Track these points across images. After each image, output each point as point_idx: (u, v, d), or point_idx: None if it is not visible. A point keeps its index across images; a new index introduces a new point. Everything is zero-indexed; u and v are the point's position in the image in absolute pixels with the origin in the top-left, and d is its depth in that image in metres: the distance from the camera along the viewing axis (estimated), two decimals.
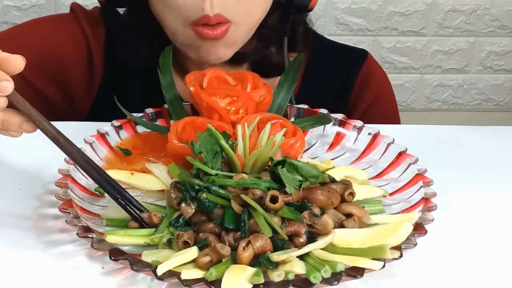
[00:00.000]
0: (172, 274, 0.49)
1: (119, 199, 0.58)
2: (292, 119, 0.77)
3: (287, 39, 0.87)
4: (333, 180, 0.60)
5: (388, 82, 1.01)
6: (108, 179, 0.58)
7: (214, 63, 0.81)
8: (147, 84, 0.89)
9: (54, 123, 0.81)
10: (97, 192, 0.63)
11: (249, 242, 0.51)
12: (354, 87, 0.95)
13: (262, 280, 0.49)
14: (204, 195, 0.55)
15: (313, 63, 0.90)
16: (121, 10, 0.92)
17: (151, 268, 0.49)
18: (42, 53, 0.87)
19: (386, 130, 0.74)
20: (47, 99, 0.90)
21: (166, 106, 0.77)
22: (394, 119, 1.00)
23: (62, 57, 0.89)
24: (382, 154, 0.71)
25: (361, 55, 0.98)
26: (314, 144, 0.76)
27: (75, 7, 0.92)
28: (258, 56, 0.88)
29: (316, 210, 0.55)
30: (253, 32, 0.82)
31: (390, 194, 0.65)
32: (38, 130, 0.57)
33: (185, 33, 0.77)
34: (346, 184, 0.60)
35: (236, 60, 0.86)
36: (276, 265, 0.51)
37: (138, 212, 0.58)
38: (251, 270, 0.50)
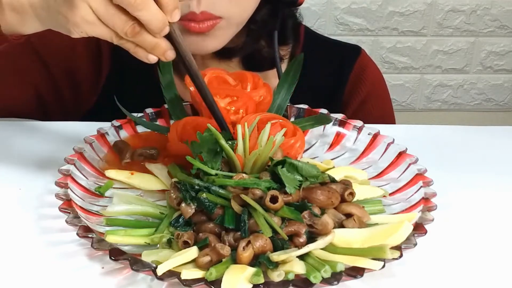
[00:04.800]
0: (172, 274, 0.49)
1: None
2: (292, 119, 0.77)
3: (277, 32, 0.87)
4: (333, 180, 0.60)
5: (381, 77, 1.01)
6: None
7: (203, 54, 0.82)
8: (151, 80, 0.90)
9: (55, 123, 0.83)
10: (97, 192, 0.63)
11: (249, 242, 0.51)
12: (348, 82, 0.96)
13: (262, 280, 0.49)
14: (204, 195, 0.55)
15: (306, 58, 0.90)
16: None
17: (151, 268, 0.49)
18: (60, 43, 0.88)
19: (386, 130, 0.74)
20: (58, 87, 0.92)
21: (166, 106, 0.77)
22: (388, 114, 1.00)
23: (75, 48, 0.91)
24: (382, 154, 0.71)
25: (355, 50, 0.98)
26: (314, 144, 0.76)
27: None
28: (247, 51, 0.88)
29: (316, 210, 0.55)
30: (242, 25, 0.82)
31: (390, 194, 0.65)
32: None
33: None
34: (346, 184, 0.60)
35: (226, 55, 0.86)
36: (276, 265, 0.51)
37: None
38: (251, 270, 0.50)
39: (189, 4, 0.74)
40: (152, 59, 0.59)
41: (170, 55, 0.59)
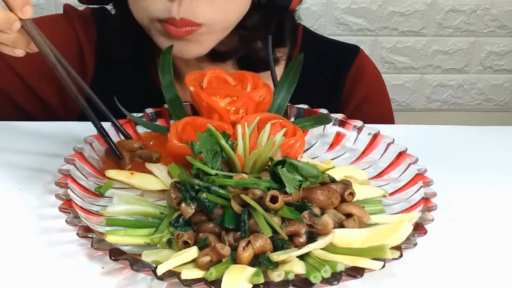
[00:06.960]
0: (172, 274, 0.49)
1: (100, 128, 0.67)
2: (292, 119, 0.77)
3: (273, 35, 0.86)
4: (333, 180, 0.60)
5: (380, 77, 1.01)
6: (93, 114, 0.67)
7: (188, 58, 0.82)
8: (137, 80, 0.90)
9: (53, 123, 0.83)
10: (97, 192, 0.63)
11: (249, 242, 0.51)
12: (346, 82, 0.95)
13: (262, 280, 0.49)
14: (204, 195, 0.55)
15: (304, 58, 0.90)
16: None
17: (151, 268, 0.49)
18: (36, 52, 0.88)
19: (386, 130, 0.74)
20: (41, 97, 0.91)
21: (166, 106, 0.77)
22: (387, 114, 1.00)
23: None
24: (382, 154, 0.71)
25: (353, 50, 0.98)
26: (314, 144, 0.76)
27: (67, 8, 0.95)
28: (240, 54, 0.88)
29: (316, 210, 0.55)
30: (230, 31, 0.81)
31: (390, 194, 0.65)
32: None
33: (155, 27, 0.78)
34: (346, 184, 0.60)
35: (219, 58, 0.86)
36: (276, 265, 0.51)
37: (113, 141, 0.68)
38: (251, 270, 0.50)
39: (170, 9, 0.74)
40: (19, 52, 0.63)
41: (34, 47, 0.63)
